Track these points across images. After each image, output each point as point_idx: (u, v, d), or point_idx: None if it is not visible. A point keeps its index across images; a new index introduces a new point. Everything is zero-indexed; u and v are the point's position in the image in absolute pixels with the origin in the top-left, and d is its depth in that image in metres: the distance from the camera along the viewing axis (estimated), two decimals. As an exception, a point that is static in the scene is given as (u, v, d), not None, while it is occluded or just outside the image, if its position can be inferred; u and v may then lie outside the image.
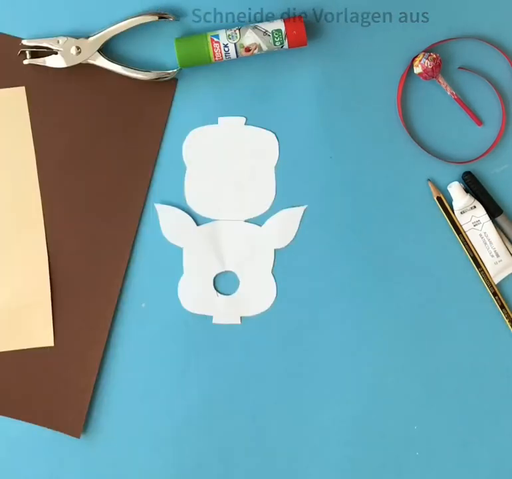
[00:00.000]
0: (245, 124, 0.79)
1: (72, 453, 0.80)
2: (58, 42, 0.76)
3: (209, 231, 0.80)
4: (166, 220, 0.79)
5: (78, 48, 0.76)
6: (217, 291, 0.80)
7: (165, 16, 0.76)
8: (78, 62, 0.76)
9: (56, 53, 0.76)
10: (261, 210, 0.80)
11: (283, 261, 0.80)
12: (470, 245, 0.80)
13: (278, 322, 0.80)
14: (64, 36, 0.76)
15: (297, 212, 0.80)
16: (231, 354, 0.80)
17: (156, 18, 0.76)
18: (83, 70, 0.77)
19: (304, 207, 0.79)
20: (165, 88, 0.78)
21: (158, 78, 0.77)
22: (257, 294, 0.80)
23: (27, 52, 0.77)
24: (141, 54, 0.78)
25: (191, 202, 0.79)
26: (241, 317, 0.80)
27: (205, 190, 0.79)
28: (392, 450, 0.80)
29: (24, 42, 0.76)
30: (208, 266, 0.80)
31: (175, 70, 0.77)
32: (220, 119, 0.79)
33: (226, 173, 0.79)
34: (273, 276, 0.80)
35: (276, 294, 0.80)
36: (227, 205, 0.80)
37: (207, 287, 0.80)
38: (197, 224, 0.79)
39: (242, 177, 0.79)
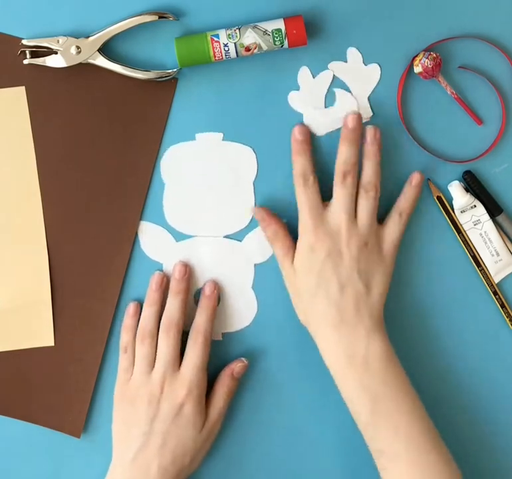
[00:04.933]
0: (223, 139, 0.79)
1: (72, 453, 0.80)
2: (58, 41, 0.76)
3: (188, 247, 0.79)
4: (146, 236, 0.79)
5: (78, 47, 0.76)
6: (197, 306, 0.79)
7: (165, 15, 0.76)
8: (78, 61, 0.76)
9: (56, 53, 0.76)
10: (241, 225, 0.80)
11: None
12: (470, 245, 0.80)
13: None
14: (64, 36, 0.76)
15: None
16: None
17: (156, 17, 0.76)
18: (83, 69, 0.77)
19: (284, 221, 0.78)
20: (165, 88, 0.78)
21: (158, 78, 0.77)
22: (238, 309, 0.80)
23: (27, 52, 0.77)
24: (141, 54, 0.78)
25: (170, 218, 0.79)
26: (222, 333, 0.80)
27: (183, 206, 0.79)
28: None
29: (24, 42, 0.76)
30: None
31: (175, 69, 0.77)
32: (198, 135, 0.78)
33: (205, 189, 0.79)
34: (253, 291, 0.80)
35: (257, 309, 0.80)
36: (205, 221, 0.79)
37: (188, 302, 0.79)
38: (176, 240, 0.79)
39: (221, 192, 0.79)
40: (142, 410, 0.75)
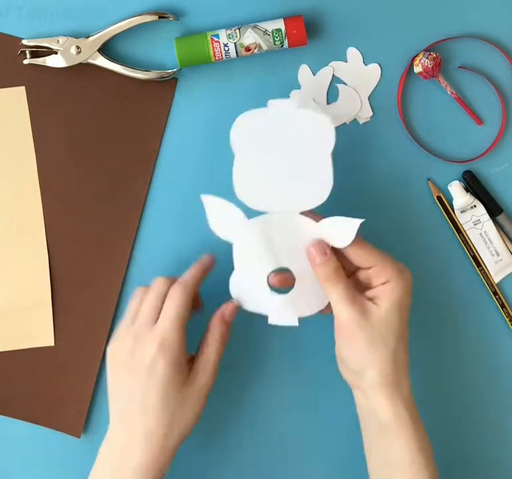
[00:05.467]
0: (298, 106, 0.72)
1: (72, 453, 0.80)
2: (58, 41, 0.76)
3: (261, 225, 0.72)
4: (214, 213, 0.72)
5: (78, 47, 0.76)
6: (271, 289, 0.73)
7: (165, 15, 0.76)
8: (78, 61, 0.76)
9: (56, 53, 0.76)
10: (318, 201, 0.72)
11: None
12: (470, 245, 0.80)
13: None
14: (64, 36, 0.76)
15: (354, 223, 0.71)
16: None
17: (156, 17, 0.76)
18: (83, 69, 0.77)
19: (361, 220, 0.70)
20: (165, 88, 0.78)
21: (158, 78, 0.77)
22: (314, 291, 0.73)
23: (27, 52, 0.77)
24: (141, 53, 0.78)
25: (240, 193, 0.72)
26: (298, 318, 0.73)
27: (254, 180, 0.72)
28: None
29: (24, 42, 0.76)
30: (260, 262, 0.73)
31: (174, 69, 0.77)
32: (270, 101, 0.71)
33: (277, 161, 0.72)
34: None
35: None
36: (279, 196, 0.72)
37: (261, 284, 0.73)
38: (248, 217, 0.73)
39: (295, 165, 0.72)
40: (123, 361, 0.71)
